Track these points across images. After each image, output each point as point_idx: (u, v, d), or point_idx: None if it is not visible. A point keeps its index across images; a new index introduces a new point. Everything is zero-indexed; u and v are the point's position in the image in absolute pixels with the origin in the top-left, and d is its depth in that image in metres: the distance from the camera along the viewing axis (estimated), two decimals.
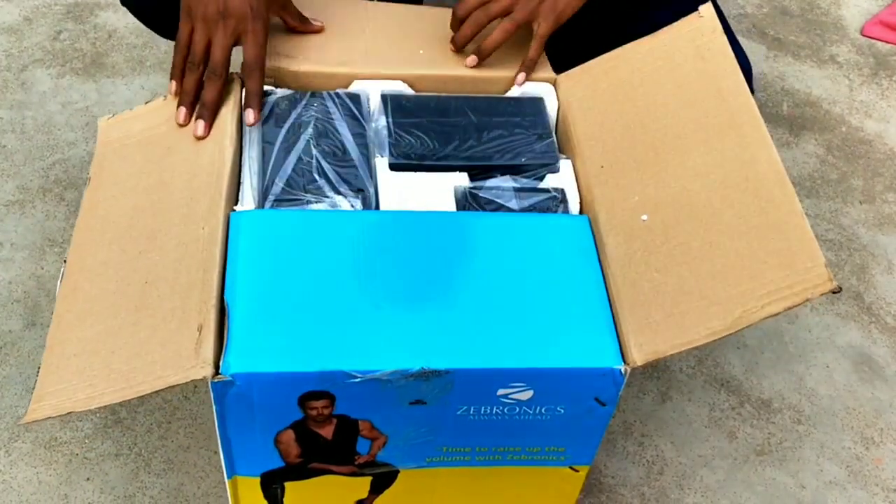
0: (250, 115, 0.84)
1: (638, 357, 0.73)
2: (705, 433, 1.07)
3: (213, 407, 0.69)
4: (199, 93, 0.84)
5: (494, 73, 0.94)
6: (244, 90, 0.86)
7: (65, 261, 0.80)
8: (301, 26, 0.93)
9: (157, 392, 0.66)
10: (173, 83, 0.85)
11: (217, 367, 0.68)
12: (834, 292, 0.69)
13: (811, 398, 1.12)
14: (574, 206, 0.85)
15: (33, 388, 1.03)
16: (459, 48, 0.93)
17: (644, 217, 0.80)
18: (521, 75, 0.92)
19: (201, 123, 0.82)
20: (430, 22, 0.99)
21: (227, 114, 0.85)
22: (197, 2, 0.82)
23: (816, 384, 1.13)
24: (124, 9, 1.53)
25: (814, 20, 1.68)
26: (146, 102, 0.90)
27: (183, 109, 0.84)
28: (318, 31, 0.94)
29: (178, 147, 0.84)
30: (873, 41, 1.64)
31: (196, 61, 0.84)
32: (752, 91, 0.95)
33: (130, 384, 0.68)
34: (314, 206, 0.80)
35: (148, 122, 0.87)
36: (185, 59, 0.84)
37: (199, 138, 0.82)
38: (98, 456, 0.99)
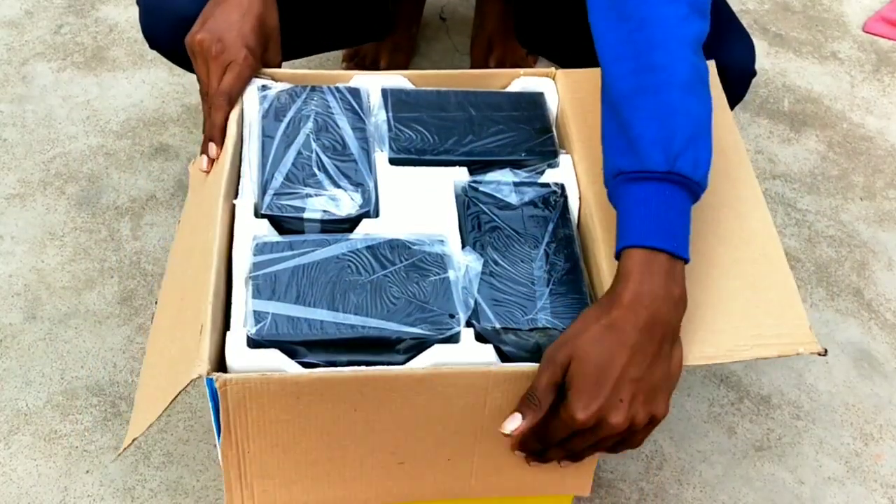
0: (212, 149, 0.84)
1: None
2: (704, 428, 1.07)
3: (209, 403, 0.70)
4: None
5: (495, 70, 0.95)
6: (207, 121, 0.86)
7: (155, 302, 0.83)
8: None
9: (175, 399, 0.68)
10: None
11: (213, 363, 0.69)
12: (821, 354, 0.73)
13: (810, 394, 1.12)
14: (574, 201, 0.85)
15: (33, 381, 1.04)
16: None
17: None
18: None
19: (211, 145, 0.84)
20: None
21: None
22: (196, 41, 0.85)
23: (816, 380, 1.13)
24: (125, 3, 1.54)
25: (815, 16, 1.68)
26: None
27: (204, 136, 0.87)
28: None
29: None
30: (875, 38, 1.64)
31: (204, 91, 0.87)
32: (746, 90, 0.96)
33: (161, 396, 0.70)
34: (313, 200, 0.80)
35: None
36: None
37: (211, 161, 0.84)
38: (98, 449, 0.99)
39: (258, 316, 0.71)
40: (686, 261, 0.71)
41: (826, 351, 0.73)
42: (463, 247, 0.79)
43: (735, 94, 0.95)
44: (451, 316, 0.73)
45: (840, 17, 1.68)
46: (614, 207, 0.73)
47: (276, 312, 0.72)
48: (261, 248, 0.76)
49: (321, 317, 0.72)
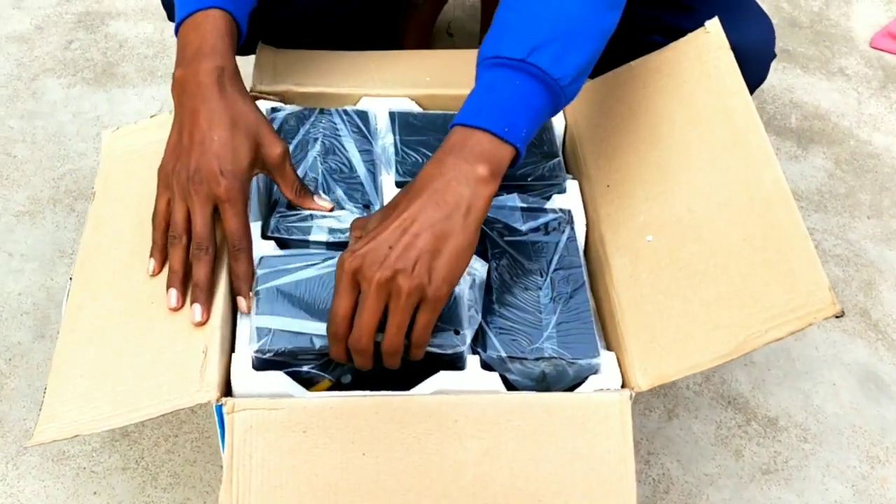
0: (242, 304, 0.74)
1: (643, 382, 0.73)
2: (711, 451, 1.07)
3: (217, 429, 0.70)
4: (188, 270, 0.74)
5: None
6: (231, 272, 0.75)
7: (70, 277, 0.80)
8: (297, 199, 0.80)
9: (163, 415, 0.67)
10: (152, 262, 0.76)
11: (222, 390, 0.69)
12: (837, 317, 0.69)
13: (817, 416, 1.12)
14: (580, 227, 0.85)
15: (42, 402, 1.04)
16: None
17: (649, 238, 0.80)
18: None
19: (198, 308, 0.72)
20: (436, 58, 0.99)
21: None
22: (172, 167, 0.75)
23: (823, 402, 1.13)
24: (135, 18, 1.55)
25: (823, 32, 1.68)
26: (151, 116, 0.90)
27: (174, 292, 0.73)
28: (323, 209, 0.82)
29: None
30: (882, 53, 1.64)
31: (178, 234, 0.74)
32: (765, 72, 0.94)
33: (136, 407, 0.68)
34: (319, 221, 0.80)
35: (153, 137, 0.87)
36: (165, 234, 0.75)
37: (199, 324, 0.72)
38: (105, 470, 1.00)
39: (260, 332, 0.72)
40: (517, 150, 0.69)
41: (843, 312, 0.69)
42: None
43: (752, 74, 0.89)
44: (457, 332, 0.73)
45: (847, 32, 1.68)
46: None
47: (278, 328, 0.72)
48: (264, 263, 0.76)
49: (323, 331, 0.71)
